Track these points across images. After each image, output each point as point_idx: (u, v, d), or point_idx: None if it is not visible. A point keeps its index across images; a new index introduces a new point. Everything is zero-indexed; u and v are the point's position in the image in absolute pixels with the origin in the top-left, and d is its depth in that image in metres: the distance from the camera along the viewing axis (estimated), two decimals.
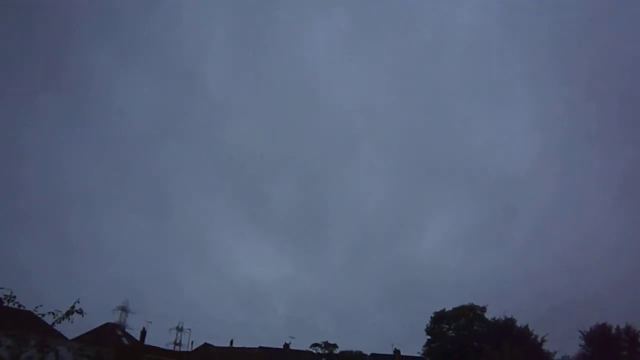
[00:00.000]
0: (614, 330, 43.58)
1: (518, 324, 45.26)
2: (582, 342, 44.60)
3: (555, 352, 44.33)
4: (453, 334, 48.40)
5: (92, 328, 46.94)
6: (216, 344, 58.20)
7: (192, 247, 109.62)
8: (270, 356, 53.29)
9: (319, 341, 62.31)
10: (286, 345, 57.28)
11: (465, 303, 49.92)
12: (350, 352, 58.07)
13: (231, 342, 58.21)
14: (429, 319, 49.99)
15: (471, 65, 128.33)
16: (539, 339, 43.83)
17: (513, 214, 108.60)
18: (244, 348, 55.46)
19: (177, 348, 53.41)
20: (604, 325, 43.95)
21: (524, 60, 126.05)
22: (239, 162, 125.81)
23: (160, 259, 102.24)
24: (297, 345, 59.42)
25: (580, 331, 44.71)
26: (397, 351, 53.30)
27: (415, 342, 50.63)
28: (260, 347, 55.44)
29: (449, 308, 50.27)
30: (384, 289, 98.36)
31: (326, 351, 60.67)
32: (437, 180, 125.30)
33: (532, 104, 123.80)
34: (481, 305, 49.41)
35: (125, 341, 49.14)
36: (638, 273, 77.89)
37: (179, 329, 53.47)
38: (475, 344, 44.76)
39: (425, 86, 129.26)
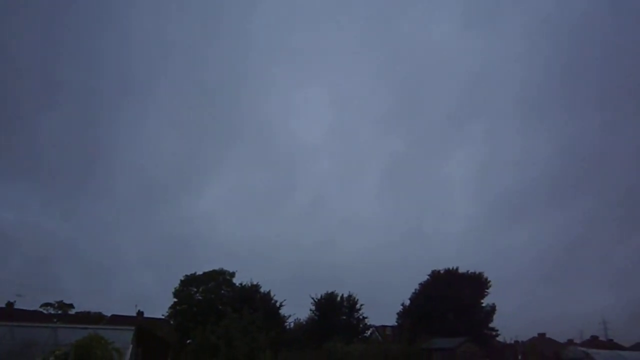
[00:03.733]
0: (339, 298, 50.35)
1: (262, 289, 48.50)
2: (312, 307, 50.49)
3: (289, 316, 49.05)
4: (200, 297, 49.15)
5: None
6: None
7: None
8: None
9: (53, 301, 56.50)
10: (9, 304, 50.18)
11: (217, 268, 51.23)
12: (89, 313, 54.09)
13: None
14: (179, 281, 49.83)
15: (281, 29, 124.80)
16: (278, 304, 47.83)
17: (293, 185, 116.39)
18: None
19: None
20: (332, 293, 50.40)
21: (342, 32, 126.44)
22: (7, 77, 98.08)
23: None
24: (27, 304, 52.55)
25: (312, 297, 50.51)
26: (140, 313, 51.76)
27: (165, 305, 49.84)
28: None
29: (201, 272, 50.97)
30: (149, 247, 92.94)
31: (60, 312, 55.26)
32: (227, 139, 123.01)
33: (331, 77, 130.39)
34: (231, 270, 51.33)
35: None
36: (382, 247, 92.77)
37: None
38: (220, 307, 46.28)
39: (234, 39, 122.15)
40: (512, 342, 50.01)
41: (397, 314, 54.62)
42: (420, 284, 54.89)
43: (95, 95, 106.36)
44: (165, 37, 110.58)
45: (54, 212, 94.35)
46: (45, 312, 55.15)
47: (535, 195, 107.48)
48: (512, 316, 70.30)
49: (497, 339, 51.16)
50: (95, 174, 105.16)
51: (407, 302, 54.50)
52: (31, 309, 52.91)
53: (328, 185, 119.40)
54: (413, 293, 54.89)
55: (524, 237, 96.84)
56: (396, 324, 54.44)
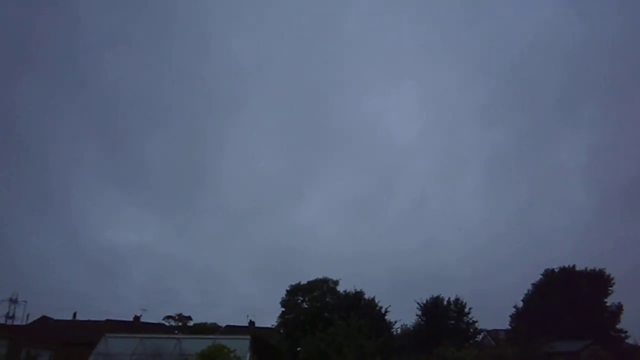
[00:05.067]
0: (445, 302, 48.87)
1: (366, 296, 48.47)
2: (419, 312, 49.46)
3: (396, 322, 48.39)
4: (306, 306, 50.27)
5: None
6: (57, 317, 53.71)
7: (38, 206, 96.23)
8: (116, 329, 50.49)
9: (173, 313, 60.80)
10: (136, 318, 54.86)
11: (320, 276, 52.13)
12: (205, 324, 57.51)
13: (74, 315, 54.14)
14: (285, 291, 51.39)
15: (372, 29, 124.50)
16: (383, 310, 47.50)
17: (393, 187, 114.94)
18: (87, 321, 51.87)
19: (9, 322, 48.15)
20: (437, 297, 49.05)
21: (423, 33, 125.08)
22: (109, 107, 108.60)
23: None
24: (150, 317, 57.22)
25: (417, 302, 49.51)
26: (251, 323, 54.04)
27: (274, 315, 51.74)
28: (107, 320, 52.32)
29: (305, 281, 52.13)
30: (255, 259, 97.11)
31: (179, 323, 59.35)
32: (325, 146, 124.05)
33: (424, 76, 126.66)
34: (334, 278, 51.95)
35: None
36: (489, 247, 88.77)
37: (12, 301, 48.23)
38: (326, 315, 46.96)
39: (325, 45, 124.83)
40: None
41: (510, 316, 51.91)
42: (533, 284, 51.75)
43: (199, 116, 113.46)
44: (259, 52, 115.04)
45: (168, 231, 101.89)
46: (167, 324, 59.52)
47: None
48: None
49: (627, 341, 46.62)
50: (204, 191, 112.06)
51: (520, 304, 51.63)
52: (154, 321, 57.55)
53: (428, 185, 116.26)
54: (526, 294, 51.88)
55: None
56: (509, 327, 51.65)
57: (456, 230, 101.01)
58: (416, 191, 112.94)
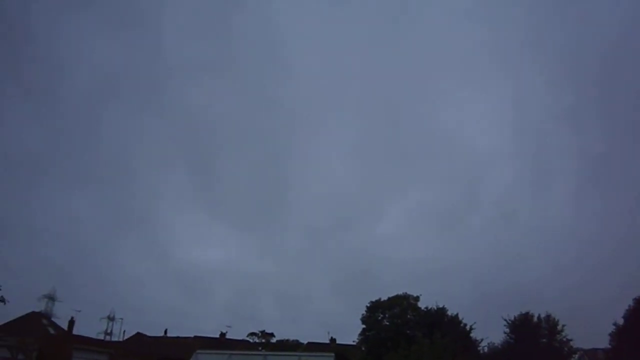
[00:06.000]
0: (535, 319, 46.26)
1: (449, 312, 47.05)
2: (507, 330, 47.14)
3: (482, 340, 46.39)
4: (387, 323, 49.61)
5: (14, 317, 44.48)
6: (150, 333, 56.83)
7: (131, 227, 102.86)
8: (204, 345, 52.62)
9: (256, 330, 62.33)
10: (222, 335, 56.86)
11: (400, 292, 51.30)
12: (287, 340, 58.40)
13: (165, 332, 57.05)
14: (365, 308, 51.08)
15: (447, 34, 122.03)
16: (468, 327, 45.81)
17: (477, 197, 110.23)
18: (177, 337, 54.50)
19: (107, 338, 51.68)
20: (527, 314, 46.56)
21: (498, 35, 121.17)
22: (194, 130, 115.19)
23: (95, 240, 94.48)
24: (235, 334, 59.07)
25: (504, 319, 47.23)
26: (333, 340, 54.17)
27: (354, 331, 51.54)
28: (195, 337, 54.67)
29: (385, 297, 51.56)
30: (336, 276, 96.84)
31: (263, 340, 60.71)
32: (405, 159, 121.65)
33: (504, 81, 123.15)
34: (415, 294, 50.92)
35: (51, 331, 46.86)
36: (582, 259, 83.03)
37: (110, 318, 51.86)
38: (408, 332, 46.09)
39: (400, 55, 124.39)
40: None
41: (609, 335, 48.02)
42: (635, 298, 47.64)
43: (280, 136, 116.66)
44: (335, 66, 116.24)
45: (252, 248, 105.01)
46: (251, 340, 61.12)
47: None
48: None
49: None
50: (286, 210, 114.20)
51: (621, 321, 47.65)
52: (239, 338, 59.29)
53: (514, 194, 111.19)
54: (626, 310, 47.85)
55: None
56: (610, 346, 47.79)
57: (545, 242, 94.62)
58: (502, 201, 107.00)
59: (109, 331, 51.85)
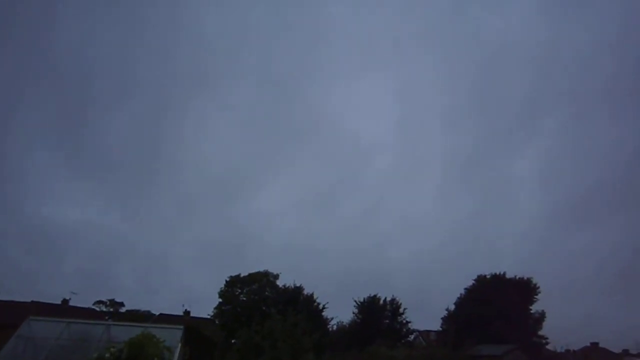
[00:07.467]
0: (381, 302, 49.98)
1: (305, 292, 48.72)
2: (355, 310, 50.31)
3: (332, 318, 48.98)
4: (244, 298, 49.91)
5: None
6: None
7: None
8: (42, 312, 48.08)
9: (104, 298, 58.70)
10: (65, 301, 52.40)
11: (263, 269, 51.91)
12: (138, 311, 55.83)
13: None
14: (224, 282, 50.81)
15: (349, 22, 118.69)
16: (321, 306, 47.92)
17: (354, 183, 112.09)
18: (12, 301, 49.06)
19: None
20: (374, 296, 50.11)
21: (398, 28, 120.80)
22: (69, 75, 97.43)
23: None
24: (82, 302, 54.64)
25: (355, 300, 50.36)
26: (187, 312, 53.02)
27: (211, 305, 50.92)
28: (32, 302, 49.66)
29: (247, 273, 51.69)
30: (203, 248, 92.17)
31: (111, 309, 57.36)
32: (293, 137, 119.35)
33: (395, 72, 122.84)
34: (275, 272, 51.85)
35: None
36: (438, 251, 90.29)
37: None
38: (264, 308, 46.81)
39: (302, 35, 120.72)
40: (563, 351, 48.15)
41: (442, 318, 53.78)
42: (466, 288, 53.83)
43: (164, 92, 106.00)
44: (234, 33, 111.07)
45: (115, 211, 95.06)
46: (97, 309, 57.30)
47: (603, 198, 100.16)
48: (564, 324, 66.80)
49: (547, 347, 49.42)
50: (159, 172, 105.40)
51: (452, 307, 53.57)
52: (85, 306, 55.15)
53: (389, 184, 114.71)
54: (458, 298, 53.91)
55: (586, 242, 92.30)
56: (440, 329, 53.55)
57: (408, 232, 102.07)
58: (375, 190, 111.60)
59: None
